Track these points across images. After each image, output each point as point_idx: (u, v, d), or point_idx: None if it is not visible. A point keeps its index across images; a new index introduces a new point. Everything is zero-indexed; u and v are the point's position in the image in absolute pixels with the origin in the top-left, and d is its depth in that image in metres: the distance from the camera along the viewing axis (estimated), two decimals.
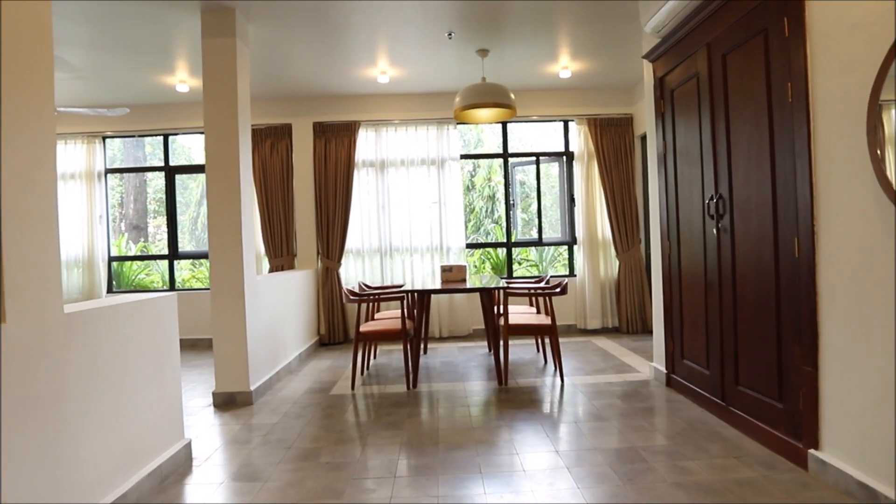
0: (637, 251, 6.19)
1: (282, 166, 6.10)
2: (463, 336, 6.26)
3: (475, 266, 7.82)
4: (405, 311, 4.25)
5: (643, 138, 6.28)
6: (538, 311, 4.77)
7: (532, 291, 4.44)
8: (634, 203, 6.22)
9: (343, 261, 6.20)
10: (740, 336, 3.02)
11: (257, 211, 6.12)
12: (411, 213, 6.22)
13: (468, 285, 4.39)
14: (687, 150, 3.58)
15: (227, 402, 3.87)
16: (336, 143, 6.10)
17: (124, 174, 8.28)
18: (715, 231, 3.20)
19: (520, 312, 4.67)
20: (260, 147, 6.09)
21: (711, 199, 3.23)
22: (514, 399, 3.79)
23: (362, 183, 6.23)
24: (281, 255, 6.10)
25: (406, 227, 6.23)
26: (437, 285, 4.46)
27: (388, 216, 6.24)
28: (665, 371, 4.02)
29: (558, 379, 4.25)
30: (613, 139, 6.23)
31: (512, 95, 4.66)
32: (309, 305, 5.82)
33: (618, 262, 6.23)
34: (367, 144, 6.23)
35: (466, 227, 6.39)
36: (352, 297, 4.13)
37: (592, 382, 4.15)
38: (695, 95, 3.43)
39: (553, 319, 4.13)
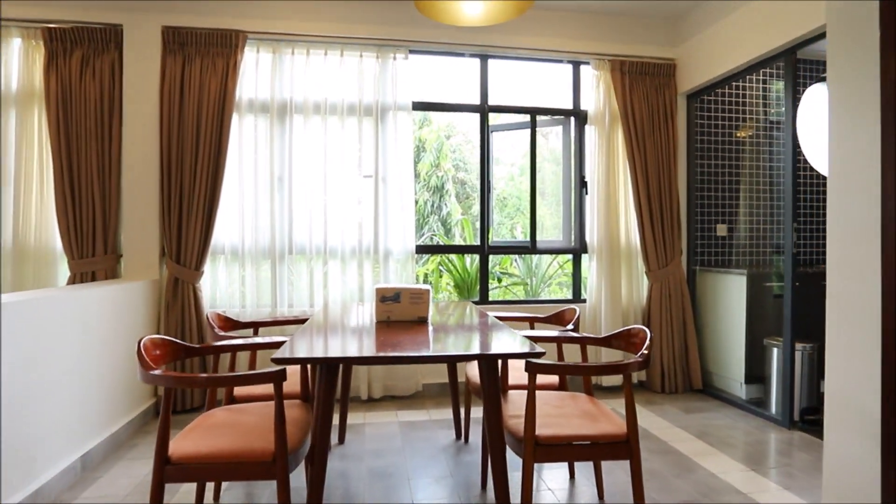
0: (677, 268, 4.04)
1: (101, 100, 3.47)
2: (406, 397, 3.86)
3: (429, 281, 5.44)
4: (299, 386, 1.82)
5: (690, 96, 4.16)
6: (561, 383, 2.45)
7: (585, 364, 2.13)
8: (676, 195, 4.07)
9: (208, 267, 3.65)
10: None
11: (50, 176, 3.45)
12: (329, 192, 3.77)
13: (430, 339, 2.02)
14: None
15: None
16: (203, 66, 3.55)
17: None
18: None
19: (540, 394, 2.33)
20: (59, 63, 3.43)
21: None
22: None
23: (247, 138, 3.71)
24: (91, 254, 3.45)
25: (320, 215, 3.76)
26: (370, 335, 2.05)
27: (288, 196, 3.74)
28: None
29: None
30: (648, 95, 4.07)
31: None
32: (135, 347, 3.22)
33: (647, 283, 4.06)
34: (257, 74, 3.72)
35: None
36: (150, 372, 1.64)
37: None
38: None
39: (634, 427, 1.82)
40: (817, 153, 4.47)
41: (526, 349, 1.74)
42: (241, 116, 3.67)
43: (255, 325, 2.78)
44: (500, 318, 2.89)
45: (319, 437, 1.76)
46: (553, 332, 2.45)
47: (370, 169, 3.81)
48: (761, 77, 4.32)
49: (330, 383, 1.73)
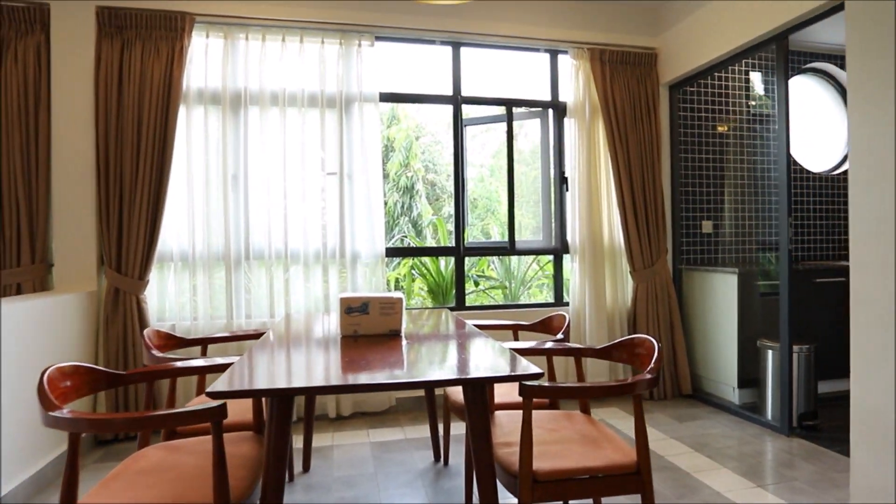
0: (663, 267, 3.84)
1: (24, 89, 3.06)
2: (379, 413, 3.55)
3: (402, 286, 5.13)
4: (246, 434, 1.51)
5: (672, 87, 3.98)
6: (553, 401, 2.19)
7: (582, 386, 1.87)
8: (660, 190, 3.87)
9: (154, 276, 3.27)
10: None
11: None
12: (290, 191, 3.43)
13: (404, 358, 1.73)
14: None
15: None
16: (145, 52, 3.18)
17: None
18: None
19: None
20: None
21: None
22: None
23: (196, 132, 3.35)
24: (16, 263, 3.04)
25: (279, 216, 3.42)
26: (335, 354, 1.76)
27: (243, 195, 3.40)
28: None
29: None
30: (630, 85, 3.86)
31: None
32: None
33: (633, 284, 3.85)
34: (208, 61, 3.36)
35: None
36: (52, 413, 1.30)
37: None
38: None
39: (645, 455, 1.56)
40: (802, 147, 4.35)
41: (519, 369, 1.46)
42: (189, 108, 3.31)
43: (204, 342, 2.44)
44: (481, 327, 2.62)
45: (272, 484, 1.44)
46: (541, 341, 2.18)
47: (334, 165, 3.49)
48: (744, 67, 4.17)
49: (284, 417, 1.42)
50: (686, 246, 3.99)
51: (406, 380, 1.37)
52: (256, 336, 2.57)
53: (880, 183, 1.76)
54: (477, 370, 1.51)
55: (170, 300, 3.34)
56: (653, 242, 3.82)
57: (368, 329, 2.00)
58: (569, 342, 2.31)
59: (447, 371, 1.54)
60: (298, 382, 1.38)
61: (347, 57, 3.52)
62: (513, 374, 1.40)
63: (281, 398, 1.39)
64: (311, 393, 1.32)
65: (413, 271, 5.04)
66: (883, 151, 1.76)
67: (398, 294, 2.03)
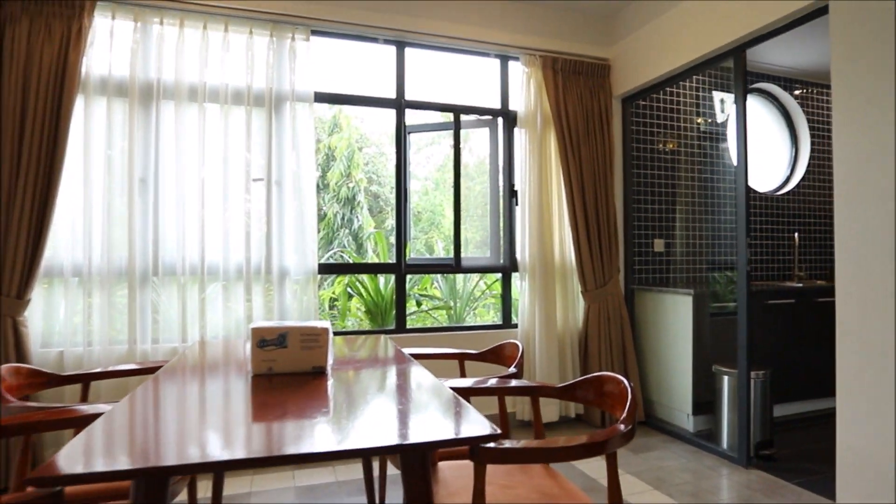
0: (616, 287, 3.66)
1: None
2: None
3: (337, 306, 4.73)
4: None
5: (625, 100, 3.84)
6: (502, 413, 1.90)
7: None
8: (613, 206, 3.70)
9: (39, 294, 2.77)
10: None
11: None
12: (208, 198, 3.02)
13: (330, 405, 1.40)
14: None
15: None
16: (33, 30, 2.71)
17: None
18: None
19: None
20: None
21: None
22: None
23: (97, 127, 2.88)
24: None
25: (195, 226, 3.00)
26: (242, 400, 1.40)
27: (153, 202, 2.95)
28: None
29: None
30: (583, 96, 3.69)
31: None
32: None
33: (584, 305, 3.65)
34: (113, 46, 2.91)
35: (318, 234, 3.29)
36: None
37: None
38: None
39: None
40: (751, 167, 4.32)
41: (471, 426, 1.16)
42: (88, 98, 2.85)
43: (86, 379, 2.00)
44: (424, 356, 2.31)
45: None
46: (488, 377, 1.89)
47: (261, 170, 3.11)
48: (695, 84, 4.10)
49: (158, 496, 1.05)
50: (639, 265, 3.84)
51: (326, 449, 1.04)
52: (153, 370, 2.15)
53: (867, 209, 1.59)
54: (417, 430, 1.19)
55: (59, 323, 2.84)
56: (605, 261, 3.64)
57: (286, 366, 1.64)
58: (521, 376, 2.04)
59: (382, 429, 1.21)
60: (173, 455, 1.02)
61: (279, 51, 3.16)
62: (462, 437, 1.09)
63: (154, 482, 1.02)
64: (190, 472, 0.97)
65: (349, 289, 4.65)
66: (870, 177, 1.59)
67: (324, 323, 1.69)
